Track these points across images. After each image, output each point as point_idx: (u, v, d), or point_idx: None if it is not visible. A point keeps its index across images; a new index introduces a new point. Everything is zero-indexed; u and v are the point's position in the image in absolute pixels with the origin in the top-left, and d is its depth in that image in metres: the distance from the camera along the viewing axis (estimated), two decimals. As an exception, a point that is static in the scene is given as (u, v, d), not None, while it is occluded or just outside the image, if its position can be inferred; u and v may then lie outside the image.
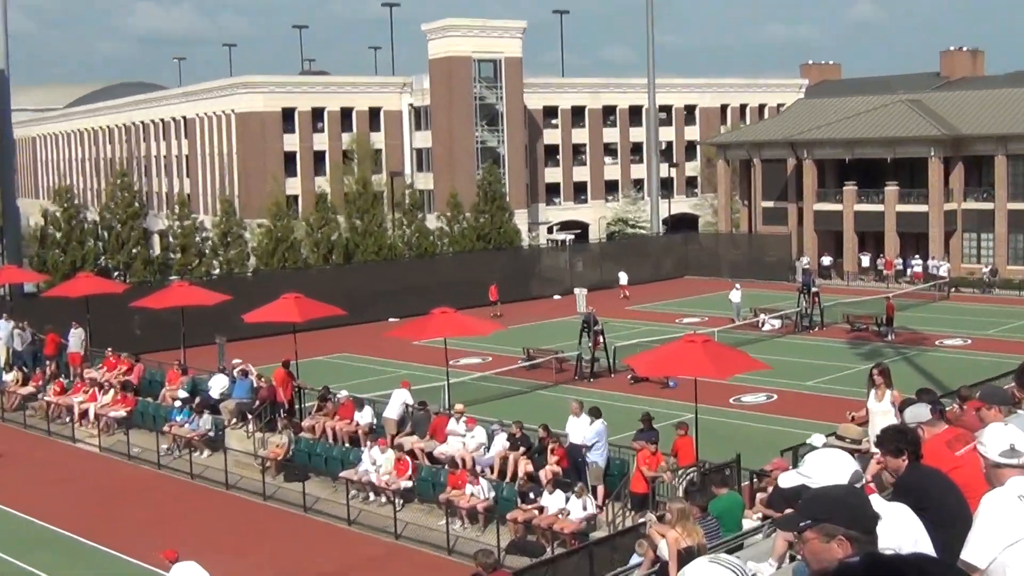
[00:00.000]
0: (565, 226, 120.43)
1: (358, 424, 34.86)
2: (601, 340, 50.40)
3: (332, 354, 56.26)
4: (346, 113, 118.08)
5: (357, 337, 60.72)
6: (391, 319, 65.09)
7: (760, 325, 61.05)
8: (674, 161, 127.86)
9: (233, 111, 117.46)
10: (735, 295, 65.09)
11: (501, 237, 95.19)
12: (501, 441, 31.46)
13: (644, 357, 34.33)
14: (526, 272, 79.99)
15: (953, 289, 77.95)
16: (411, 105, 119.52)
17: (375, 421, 34.77)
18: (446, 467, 31.11)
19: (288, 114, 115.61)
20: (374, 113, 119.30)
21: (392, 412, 34.19)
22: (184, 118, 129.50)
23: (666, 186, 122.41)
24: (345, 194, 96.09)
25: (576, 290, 72.39)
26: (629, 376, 47.40)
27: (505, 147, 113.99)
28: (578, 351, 51.14)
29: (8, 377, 46.33)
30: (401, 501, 31.02)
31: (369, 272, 72.55)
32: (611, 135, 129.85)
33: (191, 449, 37.03)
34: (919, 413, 10.60)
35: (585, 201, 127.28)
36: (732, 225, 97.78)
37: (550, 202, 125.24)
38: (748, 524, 17.83)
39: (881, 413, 22.36)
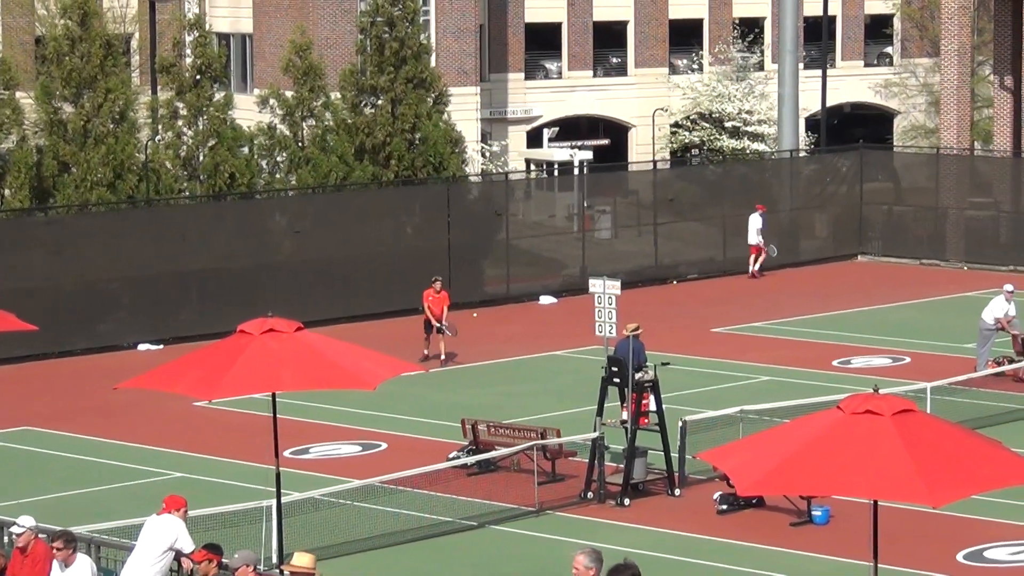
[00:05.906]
0: (569, 129, 64.24)
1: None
2: (651, 403, 24.84)
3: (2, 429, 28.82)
4: None
5: (58, 387, 31.93)
6: (140, 345, 35.51)
7: None
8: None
9: None
10: (996, 309, 31.09)
11: (415, 156, 42.42)
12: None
13: (752, 450, 14.19)
14: (472, 238, 41.40)
15: None
16: None
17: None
18: None
19: None
20: None
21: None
22: None
23: (814, 38, 61.55)
24: (37, 40, 47.59)
25: (593, 283, 30.04)
26: (716, 496, 23.95)
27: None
28: (597, 430, 25.18)
29: None
30: None
31: (92, 237, 35.94)
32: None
33: None
34: None
35: (621, 71, 65.76)
36: (974, 136, 51.50)
37: (534, 72, 64.06)
38: None
39: None
